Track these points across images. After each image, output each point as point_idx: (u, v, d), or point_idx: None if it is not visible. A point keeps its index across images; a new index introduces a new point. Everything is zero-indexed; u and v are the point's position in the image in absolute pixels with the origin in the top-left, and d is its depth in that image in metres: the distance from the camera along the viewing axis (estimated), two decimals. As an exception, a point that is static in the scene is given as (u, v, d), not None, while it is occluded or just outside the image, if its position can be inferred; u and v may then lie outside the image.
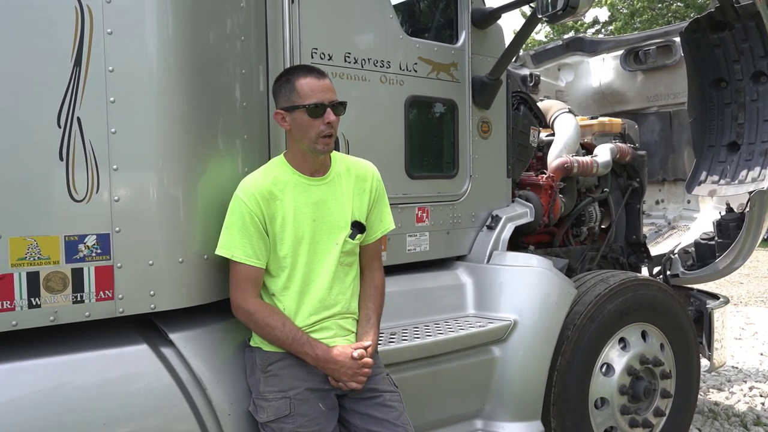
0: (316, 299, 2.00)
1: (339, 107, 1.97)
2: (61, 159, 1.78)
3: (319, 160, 2.02)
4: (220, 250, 1.95)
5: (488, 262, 2.99)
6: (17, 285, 1.74)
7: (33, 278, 1.76)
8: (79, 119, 1.80)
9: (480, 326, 2.68)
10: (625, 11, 15.95)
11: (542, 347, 2.75)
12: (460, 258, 3.06)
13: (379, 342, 2.38)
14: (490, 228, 3.07)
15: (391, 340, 2.47)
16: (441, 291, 2.89)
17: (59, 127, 1.77)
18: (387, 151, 2.68)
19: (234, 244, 1.94)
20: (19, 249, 1.74)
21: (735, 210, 3.94)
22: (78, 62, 1.80)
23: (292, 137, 2.02)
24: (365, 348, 1.99)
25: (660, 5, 15.66)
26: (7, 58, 1.72)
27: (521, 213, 3.19)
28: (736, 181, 3.77)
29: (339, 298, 2.04)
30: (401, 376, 2.33)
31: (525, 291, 2.82)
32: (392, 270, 2.68)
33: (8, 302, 1.74)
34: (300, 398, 1.92)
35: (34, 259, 1.76)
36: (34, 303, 1.77)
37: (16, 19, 1.73)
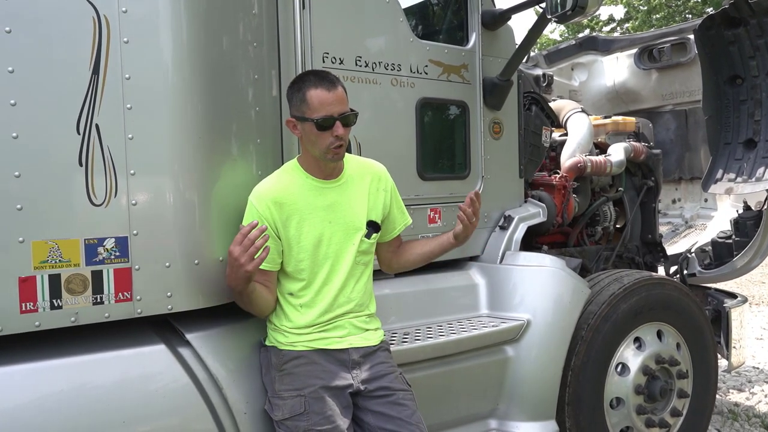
0: (331, 297, 2.04)
1: (349, 118, 1.97)
2: (81, 165, 1.83)
3: (331, 165, 2.05)
4: None
5: (501, 262, 3.00)
6: (40, 287, 1.80)
7: (55, 280, 1.82)
8: (97, 126, 1.85)
9: (493, 326, 2.69)
10: (642, 8, 15.74)
11: (556, 347, 2.75)
12: (473, 258, 3.07)
13: (392, 342, 2.41)
14: (503, 228, 3.08)
15: (405, 339, 2.49)
16: (454, 291, 2.90)
17: (78, 133, 1.83)
18: (399, 153, 2.70)
19: None
20: (42, 252, 1.80)
21: (752, 208, 3.89)
22: (96, 71, 1.85)
23: (304, 144, 2.05)
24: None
25: (677, 2, 15.45)
26: (28, 69, 1.77)
27: (534, 213, 3.19)
28: (754, 179, 3.72)
29: (354, 296, 2.08)
30: (415, 375, 2.35)
31: (538, 291, 2.82)
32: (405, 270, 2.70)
33: (31, 304, 1.79)
34: (314, 396, 1.95)
35: (56, 262, 1.82)
36: (56, 304, 1.82)
37: (37, 31, 1.79)
